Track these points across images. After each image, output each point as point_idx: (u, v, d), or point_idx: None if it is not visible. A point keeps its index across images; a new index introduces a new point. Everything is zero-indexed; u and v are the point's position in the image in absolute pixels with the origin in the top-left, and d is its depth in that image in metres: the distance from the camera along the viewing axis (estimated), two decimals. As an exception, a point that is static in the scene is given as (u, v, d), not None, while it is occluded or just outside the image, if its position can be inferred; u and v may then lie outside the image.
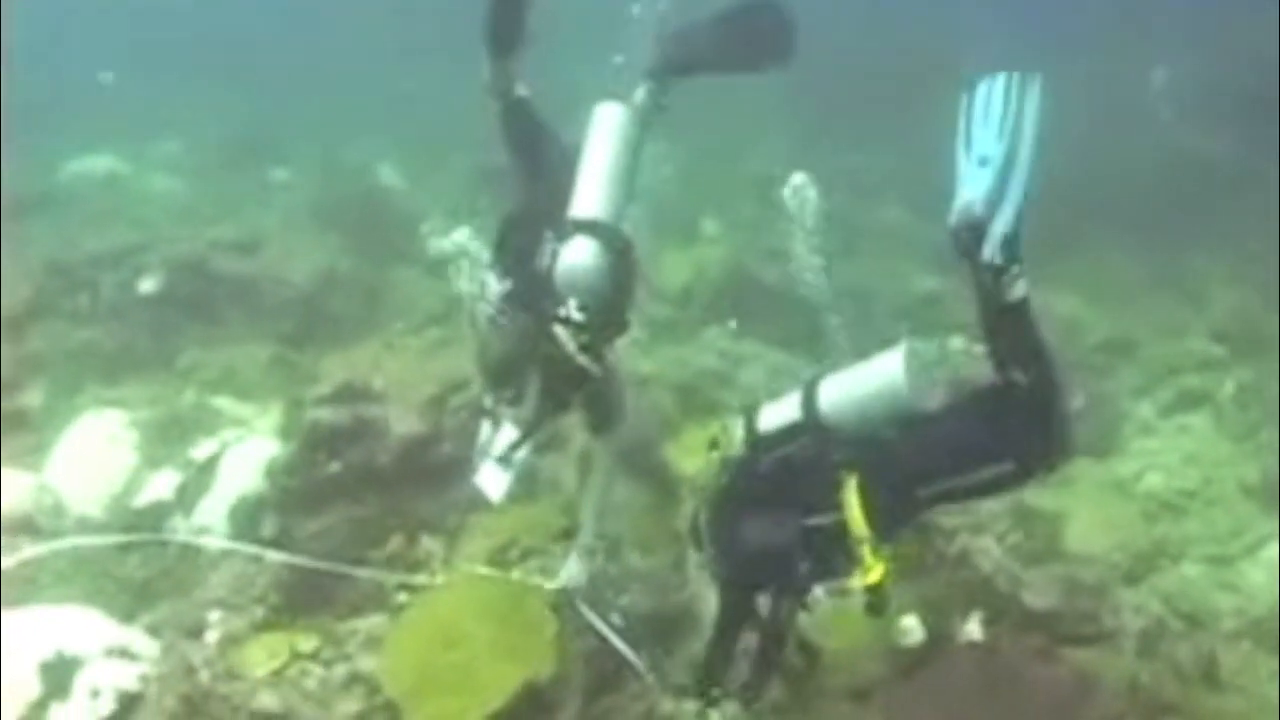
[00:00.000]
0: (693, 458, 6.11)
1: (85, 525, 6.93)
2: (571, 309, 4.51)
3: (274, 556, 6.28)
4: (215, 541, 6.57)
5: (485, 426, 5.02)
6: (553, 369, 4.66)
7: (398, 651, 5.68)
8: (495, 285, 4.75)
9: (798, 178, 4.50)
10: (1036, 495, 6.77)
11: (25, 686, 5.14)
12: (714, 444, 4.52)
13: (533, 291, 4.63)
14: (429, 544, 6.54)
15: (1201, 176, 11.90)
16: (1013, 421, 3.81)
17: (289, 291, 9.77)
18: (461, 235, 4.92)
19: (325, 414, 6.80)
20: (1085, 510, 7.21)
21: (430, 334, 8.62)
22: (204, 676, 5.39)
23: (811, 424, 4.20)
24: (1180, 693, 5.40)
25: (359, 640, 5.91)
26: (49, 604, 5.89)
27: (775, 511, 4.25)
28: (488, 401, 4.99)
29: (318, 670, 5.74)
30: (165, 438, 7.61)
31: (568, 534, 6.16)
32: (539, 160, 4.98)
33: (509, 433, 4.91)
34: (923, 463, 4.03)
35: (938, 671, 5.42)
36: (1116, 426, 8.61)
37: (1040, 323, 3.70)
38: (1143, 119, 13.41)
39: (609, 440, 5.50)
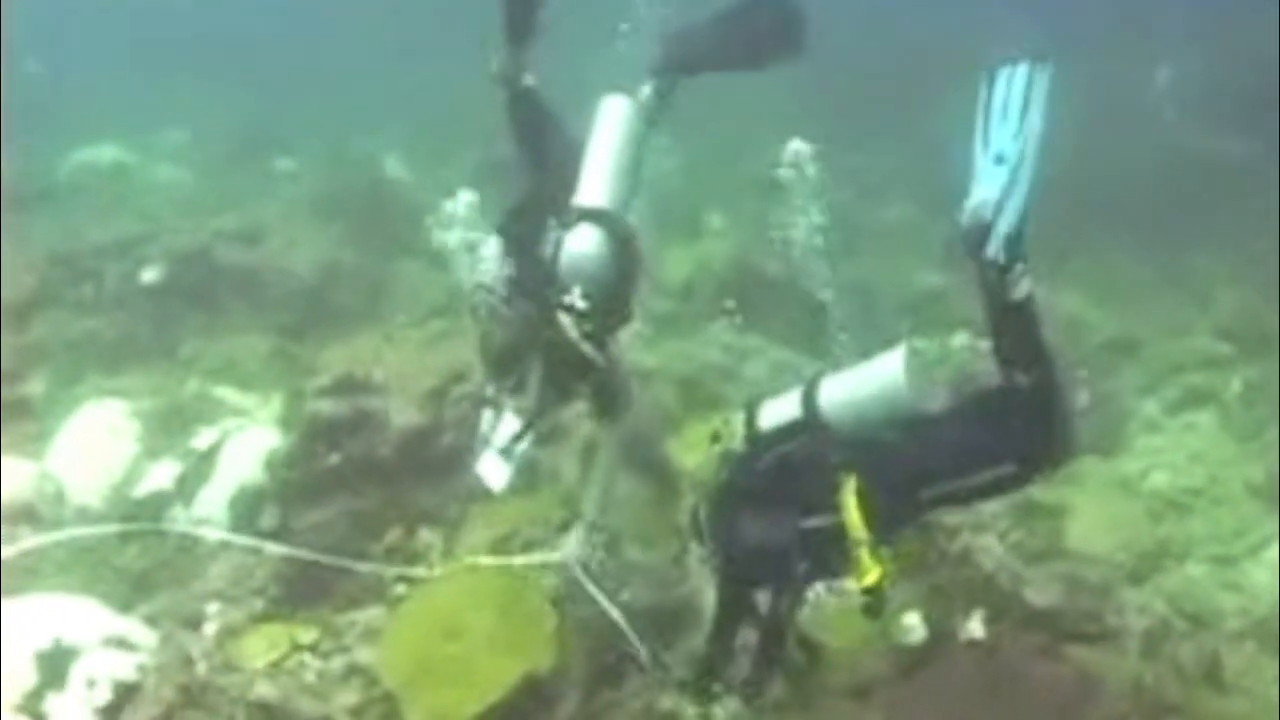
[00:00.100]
0: (694, 452, 6.08)
1: (85, 515, 6.93)
2: (575, 297, 4.52)
3: (272, 549, 6.26)
4: (213, 533, 6.55)
5: (486, 415, 5.02)
6: (555, 357, 4.69)
7: (396, 643, 5.66)
8: (497, 268, 4.73)
9: (795, 144, 4.47)
10: (1040, 493, 6.73)
11: (22, 676, 5.12)
12: (715, 438, 4.50)
13: (536, 279, 4.65)
14: (428, 536, 6.53)
15: (1205, 176, 11.87)
16: (1015, 423, 3.78)
17: (292, 282, 9.78)
18: (465, 203, 4.90)
19: (325, 405, 6.79)
20: (1089, 508, 7.18)
21: (432, 326, 8.60)
22: (202, 667, 5.37)
23: (811, 423, 4.17)
24: (1183, 693, 5.36)
25: (357, 632, 5.90)
26: (48, 593, 5.86)
27: (774, 510, 4.22)
28: (489, 390, 4.98)
29: (316, 662, 5.73)
30: (166, 428, 7.60)
31: (569, 525, 6.15)
32: (544, 150, 4.99)
33: (510, 422, 4.92)
34: (923, 464, 4.01)
35: (939, 671, 5.39)
36: (1121, 425, 8.57)
37: (1045, 323, 3.68)
38: (1146, 119, 13.38)
39: (614, 428, 5.50)
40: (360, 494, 6.62)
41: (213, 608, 6.05)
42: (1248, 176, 11.39)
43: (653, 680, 5.51)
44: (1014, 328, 3.68)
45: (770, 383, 7.24)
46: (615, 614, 5.55)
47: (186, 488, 7.01)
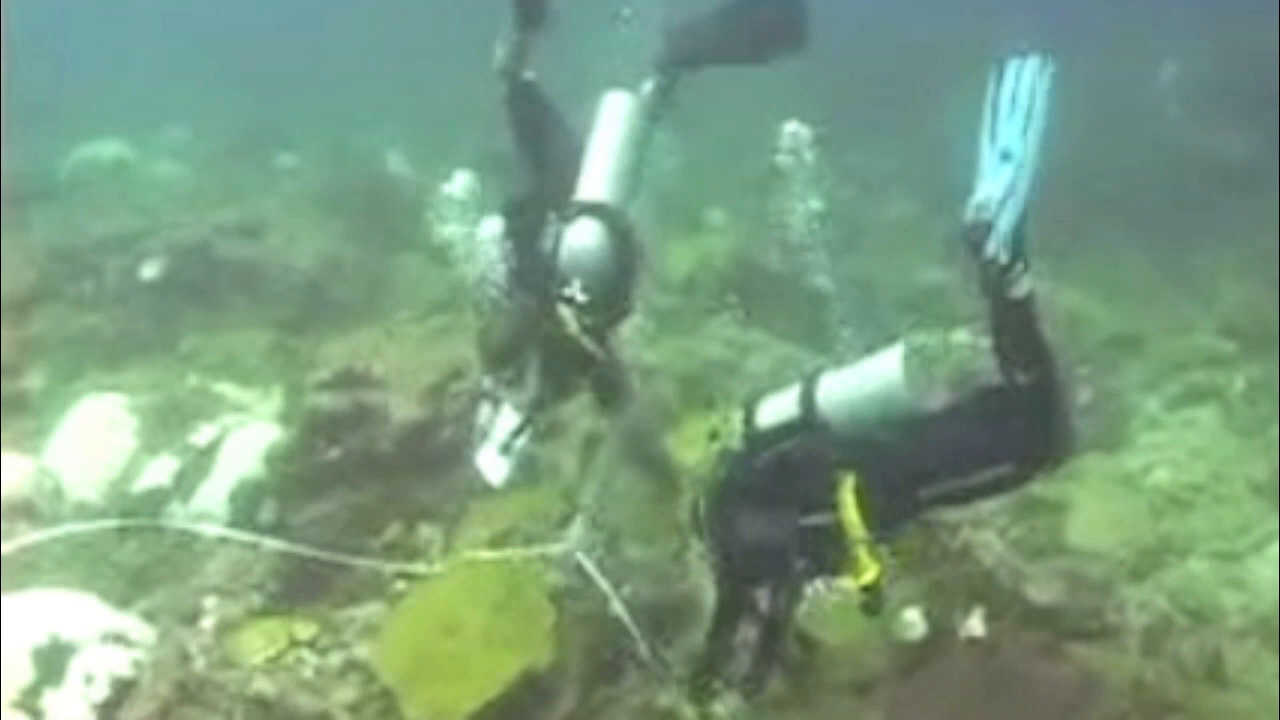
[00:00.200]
0: (694, 448, 6.06)
1: (84, 510, 6.93)
2: (575, 290, 4.53)
3: (270, 544, 6.25)
4: (212, 529, 6.54)
5: (485, 408, 5.02)
6: (554, 350, 4.68)
7: (394, 639, 5.65)
8: (498, 261, 4.73)
9: (792, 126, 4.45)
10: (1041, 489, 6.69)
11: (19, 672, 5.10)
12: (714, 434, 4.48)
13: (537, 273, 4.65)
14: (428, 531, 6.52)
15: (1210, 172, 11.84)
16: (1014, 422, 3.77)
17: (293, 277, 9.77)
18: (463, 185, 4.87)
19: (325, 400, 6.78)
20: (1091, 504, 7.15)
21: (433, 321, 8.56)
22: (199, 663, 5.37)
23: (809, 422, 4.15)
24: (1185, 691, 5.34)
25: (356, 628, 5.89)
26: (46, 588, 5.85)
27: (772, 508, 4.20)
28: (487, 383, 4.97)
29: (314, 658, 5.72)
30: (165, 423, 7.59)
31: (568, 521, 6.13)
32: (545, 143, 4.99)
33: (509, 417, 4.92)
34: (922, 463, 3.99)
35: (939, 668, 5.37)
36: (1124, 421, 8.53)
37: (1045, 321, 3.66)
38: (1150, 115, 13.35)
39: (615, 422, 5.49)
40: (359, 489, 6.61)
41: (211, 603, 6.03)
42: (1252, 173, 11.35)
43: (651, 677, 5.50)
44: (1014, 326, 3.66)
45: (772, 378, 7.22)
46: (619, 606, 5.55)
47: (185, 483, 7.01)
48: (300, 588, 6.17)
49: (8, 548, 6.22)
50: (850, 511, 3.92)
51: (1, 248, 9.25)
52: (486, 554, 6.05)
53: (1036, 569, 6.00)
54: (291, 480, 6.64)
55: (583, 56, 4.98)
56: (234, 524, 6.54)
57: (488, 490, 5.19)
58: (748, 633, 4.55)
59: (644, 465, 6.61)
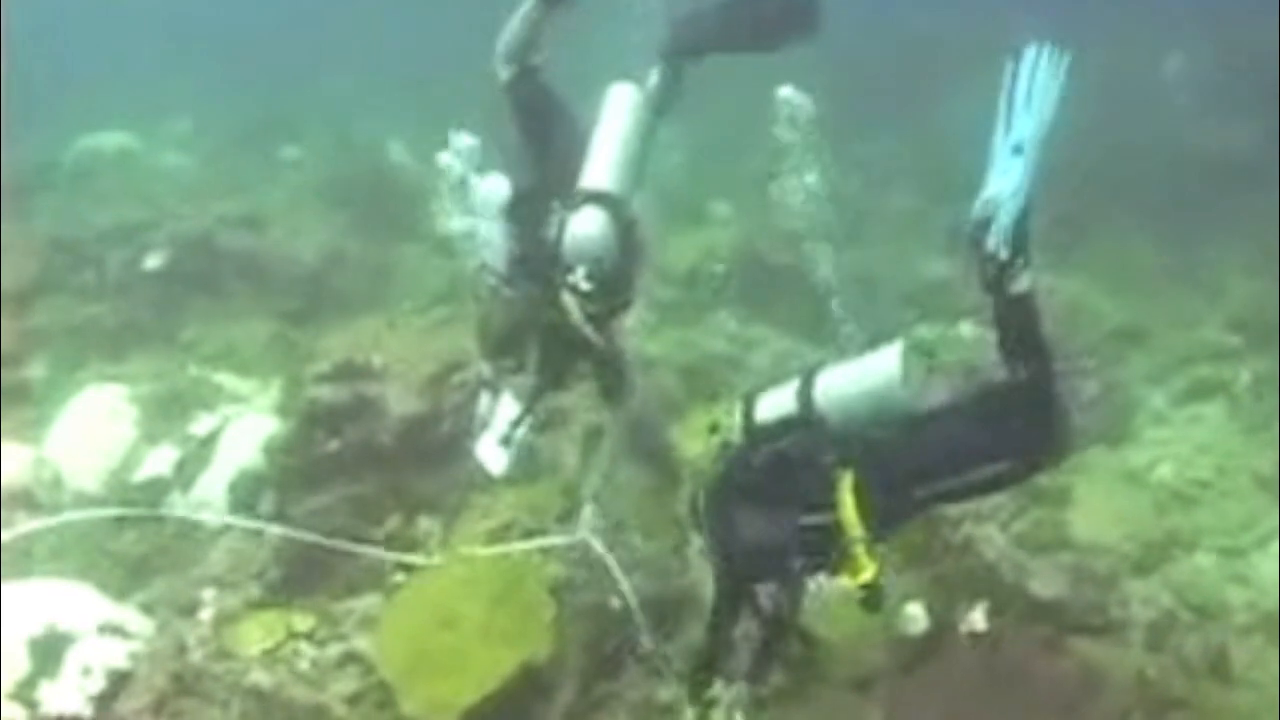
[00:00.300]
0: (697, 441, 6.04)
1: (83, 500, 6.91)
2: (579, 277, 4.53)
3: (274, 530, 6.23)
4: (212, 517, 6.52)
5: (484, 398, 5.01)
6: (554, 338, 4.70)
7: (393, 632, 5.64)
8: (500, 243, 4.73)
9: (785, 91, 4.42)
10: (1045, 483, 6.66)
11: (15, 662, 5.09)
12: (714, 427, 4.44)
13: (539, 260, 4.66)
14: (427, 523, 6.50)
15: (1217, 166, 11.76)
16: (1012, 420, 3.75)
17: (295, 269, 9.75)
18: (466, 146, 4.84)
19: (324, 392, 6.76)
20: (1095, 498, 7.10)
21: (435, 313, 8.55)
22: (196, 655, 5.34)
23: (806, 418, 4.12)
24: (1189, 687, 5.31)
25: (354, 619, 5.88)
26: (43, 579, 5.84)
27: (770, 505, 4.16)
28: (486, 372, 4.96)
29: (312, 650, 5.70)
30: (166, 413, 7.59)
31: (569, 515, 6.11)
32: (548, 130, 4.98)
33: (508, 406, 4.91)
34: (920, 461, 3.96)
35: (940, 664, 5.35)
36: (1129, 415, 8.48)
37: (1045, 318, 3.63)
38: (1158, 106, 13.28)
39: (618, 413, 5.49)
40: (359, 481, 6.59)
41: (209, 595, 6.02)
42: (1259, 167, 11.28)
43: (652, 671, 5.47)
44: (1014, 321, 3.63)
45: (774, 371, 7.19)
46: (630, 597, 5.52)
47: (185, 473, 7.01)
48: (298, 579, 6.15)
49: (6, 536, 6.20)
50: (849, 510, 3.89)
51: (4, 237, 9.22)
52: (505, 546, 6.03)
53: (1040, 563, 5.98)
54: (291, 472, 6.62)
55: (587, 49, 4.97)
56: (233, 516, 6.52)
57: (488, 482, 5.16)
58: (747, 628, 4.52)
59: (646, 458, 6.58)
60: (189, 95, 16.28)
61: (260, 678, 5.32)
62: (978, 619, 5.58)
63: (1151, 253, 11.08)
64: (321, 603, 6.02)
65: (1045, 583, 5.77)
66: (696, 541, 4.88)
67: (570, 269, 4.56)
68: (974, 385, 3.95)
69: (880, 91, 13.46)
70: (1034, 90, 3.51)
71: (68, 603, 5.51)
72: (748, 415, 4.29)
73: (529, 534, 6.13)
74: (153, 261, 9.49)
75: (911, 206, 12.04)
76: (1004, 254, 3.48)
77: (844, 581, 3.97)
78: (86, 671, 5.13)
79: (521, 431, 4.99)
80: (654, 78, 4.82)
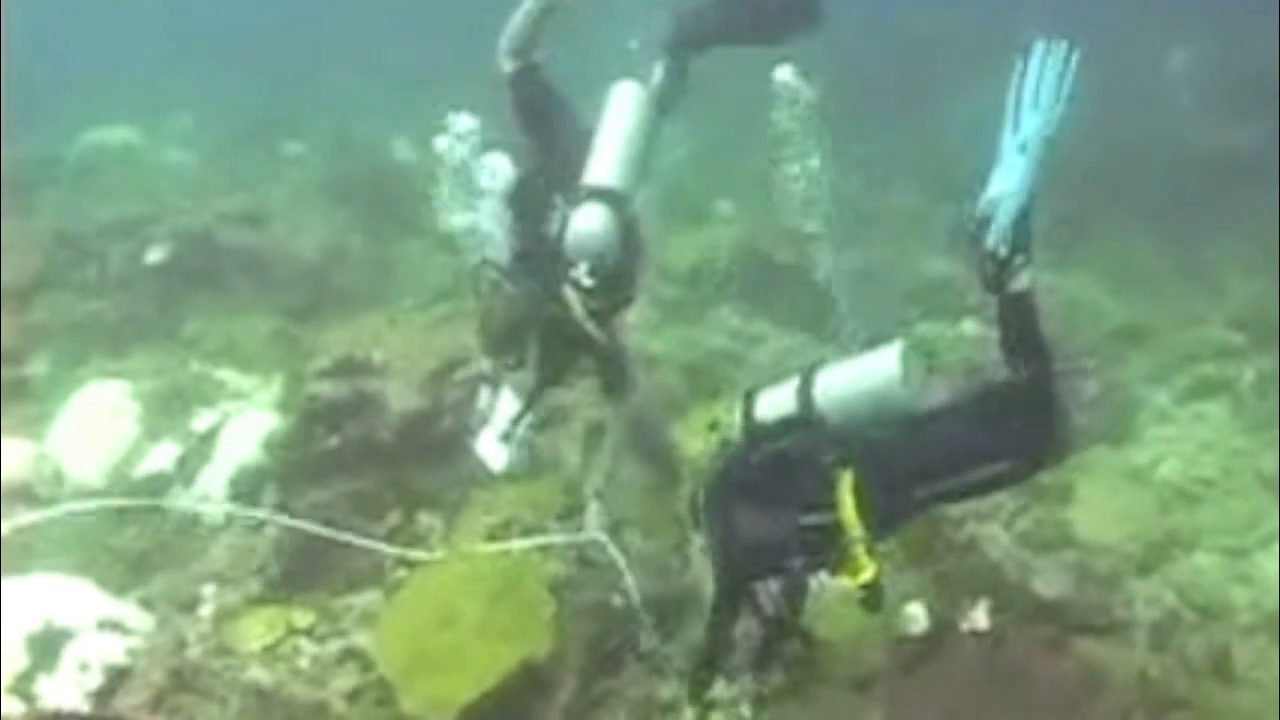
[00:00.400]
0: (699, 439, 6.03)
1: (84, 495, 6.88)
2: (581, 274, 4.54)
3: (278, 520, 6.23)
4: (214, 507, 6.52)
5: (484, 393, 5.00)
6: (556, 334, 4.71)
7: (392, 629, 5.63)
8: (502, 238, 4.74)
9: (782, 71, 4.42)
10: (1048, 481, 6.65)
11: (14, 657, 5.08)
12: (714, 425, 4.44)
13: (541, 256, 4.68)
14: (428, 519, 6.48)
15: (1218, 165, 11.73)
16: (1012, 420, 3.75)
17: (297, 265, 9.73)
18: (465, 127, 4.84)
19: (325, 387, 6.75)
20: (1098, 497, 7.09)
21: (436, 309, 8.53)
22: (195, 651, 5.34)
23: (806, 417, 4.10)
24: (1191, 687, 5.29)
25: (354, 616, 5.87)
26: (42, 574, 5.83)
27: (769, 504, 4.15)
28: (487, 367, 4.95)
29: (311, 646, 5.69)
30: (167, 409, 7.59)
31: (570, 512, 6.10)
32: (550, 126, 4.99)
33: (509, 402, 4.91)
34: (920, 461, 3.96)
35: (941, 664, 5.32)
36: (1131, 414, 8.46)
37: (1044, 317, 3.63)
38: (1159, 105, 13.26)
39: (619, 410, 5.48)
40: (360, 477, 6.58)
41: (209, 590, 6.01)
42: (1260, 166, 11.25)
43: (652, 669, 5.46)
44: (1014, 319, 3.64)
45: (776, 368, 7.18)
46: (635, 594, 5.51)
47: (186, 468, 7.01)
48: (298, 575, 6.14)
49: (6, 530, 6.19)
50: (848, 510, 3.88)
51: (5, 233, 9.21)
52: (510, 543, 6.01)
53: (1043, 562, 5.96)
54: (291, 467, 6.62)
55: (588, 47, 4.96)
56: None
57: (488, 479, 5.15)
58: (748, 626, 4.51)
59: (647, 455, 6.57)
60: (191, 92, 16.24)
61: (260, 674, 5.33)
62: (980, 618, 5.57)
63: (1153, 251, 11.06)
64: (321, 599, 6.02)
65: (1048, 582, 5.76)
66: (697, 540, 4.88)
67: (572, 265, 4.57)
68: (974, 385, 3.93)
69: (881, 90, 13.43)
70: (1042, 88, 3.49)
71: (67, 598, 5.51)
72: (747, 414, 4.28)
73: (529, 531, 6.12)
74: (154, 257, 9.47)
75: (912, 205, 12.02)
76: (1003, 251, 3.48)
77: (844, 581, 3.96)
78: (85, 667, 5.13)
79: (522, 428, 5.00)
80: (658, 75, 4.81)
